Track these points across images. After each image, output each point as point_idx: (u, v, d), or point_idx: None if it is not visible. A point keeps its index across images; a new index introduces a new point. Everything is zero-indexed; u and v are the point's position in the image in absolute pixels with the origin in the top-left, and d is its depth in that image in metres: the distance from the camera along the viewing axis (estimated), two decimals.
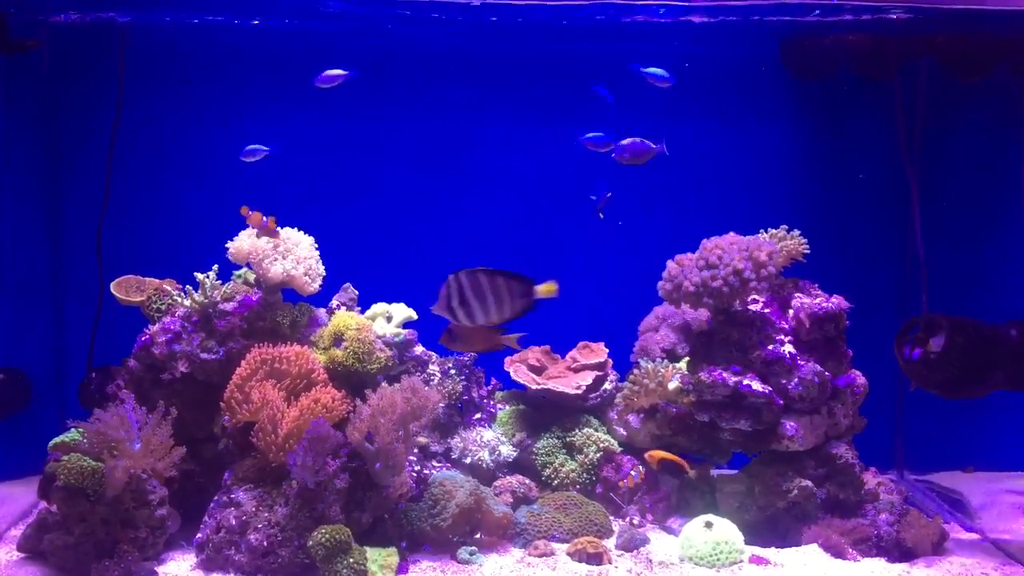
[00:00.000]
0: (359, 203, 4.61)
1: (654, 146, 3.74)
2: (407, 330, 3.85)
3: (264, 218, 3.47)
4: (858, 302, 3.65)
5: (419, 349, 3.89)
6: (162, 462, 3.24)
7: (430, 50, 4.54)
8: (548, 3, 3.89)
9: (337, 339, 3.57)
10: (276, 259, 3.54)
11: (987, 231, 4.48)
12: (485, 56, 4.54)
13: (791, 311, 3.68)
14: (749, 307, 3.66)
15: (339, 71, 4.03)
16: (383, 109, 4.60)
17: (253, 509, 3.21)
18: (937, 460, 4.51)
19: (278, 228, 3.55)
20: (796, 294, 3.72)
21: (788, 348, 3.55)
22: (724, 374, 3.50)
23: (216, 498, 3.30)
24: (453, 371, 3.92)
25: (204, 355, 3.53)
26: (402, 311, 3.86)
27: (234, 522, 3.19)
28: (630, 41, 4.54)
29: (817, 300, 3.65)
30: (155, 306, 3.61)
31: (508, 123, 4.63)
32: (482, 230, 4.65)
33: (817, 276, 3.74)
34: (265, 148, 4.01)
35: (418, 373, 3.87)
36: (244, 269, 3.72)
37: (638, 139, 3.75)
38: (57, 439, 3.34)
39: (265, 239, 3.53)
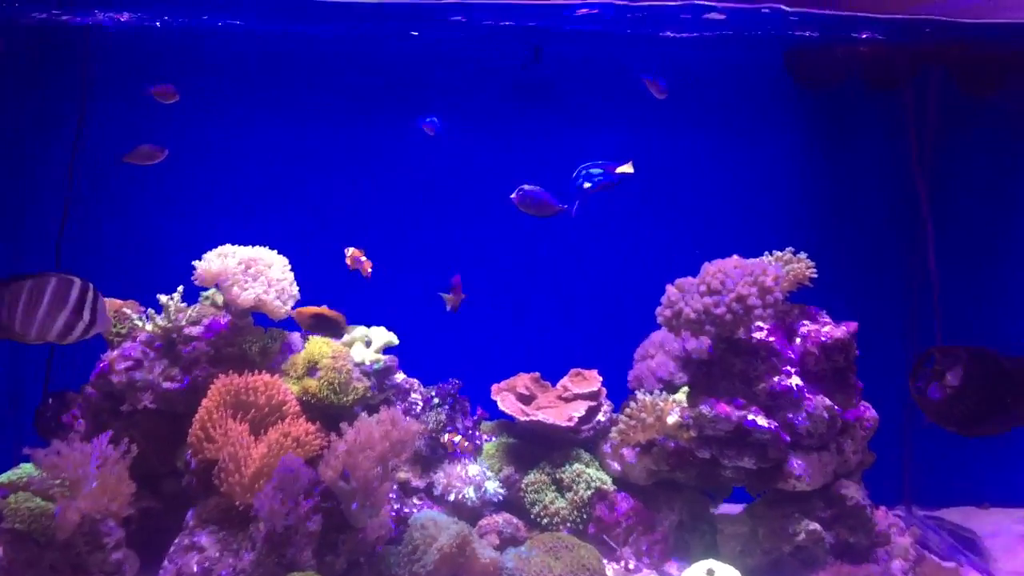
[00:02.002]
0: (338, 219, 4.37)
1: (558, 206, 3.41)
2: (387, 356, 3.62)
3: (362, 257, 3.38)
4: (864, 325, 3.44)
5: (400, 376, 3.66)
6: (117, 502, 2.97)
7: (413, 59, 4.30)
8: (550, 2, 3.65)
9: (311, 368, 3.32)
10: (246, 282, 3.29)
11: (1004, 251, 4.26)
12: (473, 65, 4.31)
13: (798, 339, 3.46)
14: (753, 335, 3.43)
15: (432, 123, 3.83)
16: (360, 118, 4.35)
17: (217, 554, 2.96)
18: (947, 494, 4.29)
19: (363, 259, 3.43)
20: (803, 321, 3.51)
21: (795, 380, 3.33)
22: (727, 408, 3.28)
23: (177, 541, 3.04)
24: (436, 400, 3.68)
25: (167, 384, 3.28)
26: (382, 336, 3.63)
27: (196, 568, 2.94)
28: (627, 48, 4.30)
29: (825, 328, 3.44)
30: (114, 330, 3.35)
31: (498, 138, 4.40)
32: (471, 248, 4.41)
33: (822, 298, 3.53)
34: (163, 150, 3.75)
35: (399, 402, 3.63)
36: (212, 290, 3.47)
37: (539, 189, 3.40)
38: (3, 476, 3.07)
39: (234, 261, 3.28)
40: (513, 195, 3.37)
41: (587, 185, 3.43)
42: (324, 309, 3.36)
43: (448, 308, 3.59)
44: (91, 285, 2.63)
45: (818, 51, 4.17)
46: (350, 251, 3.45)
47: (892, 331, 4.27)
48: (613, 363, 3.94)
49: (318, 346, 3.35)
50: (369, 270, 3.44)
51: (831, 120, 4.36)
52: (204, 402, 3.16)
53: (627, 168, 3.41)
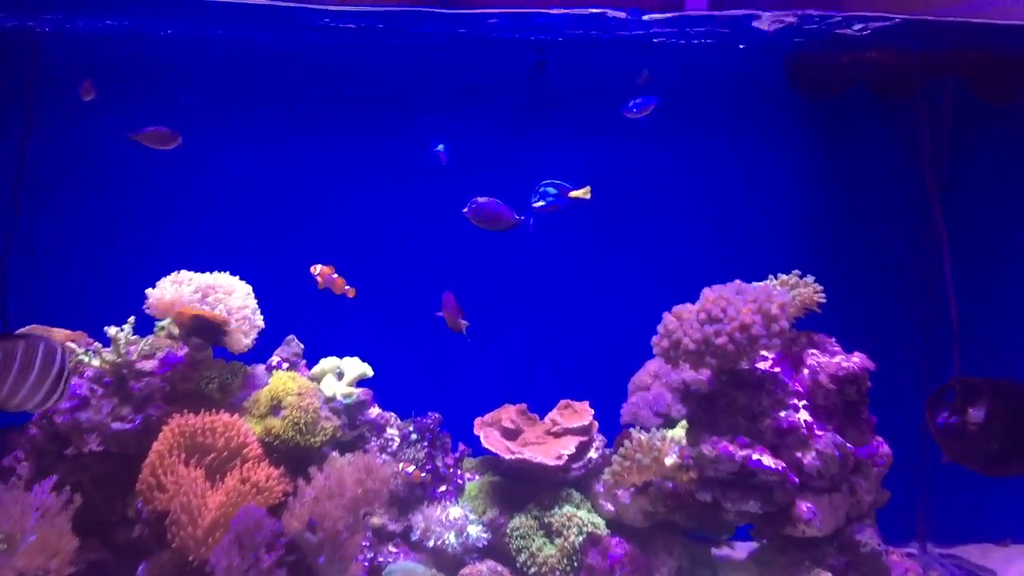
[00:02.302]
0: (306, 239, 4.13)
1: (515, 218, 3.17)
2: (361, 389, 3.38)
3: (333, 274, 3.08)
4: (876, 351, 3.19)
5: (375, 411, 3.41)
6: (57, 559, 2.69)
7: (386, 72, 4.03)
8: (552, 11, 3.39)
9: (275, 406, 3.05)
10: (203, 311, 3.00)
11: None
12: (458, 78, 4.03)
13: (805, 370, 3.21)
14: (757, 366, 3.18)
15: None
16: (331, 133, 4.08)
17: None
18: (964, 530, 4.01)
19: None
20: (810, 350, 3.27)
21: (804, 416, 3.07)
22: (730, 447, 3.02)
23: None
24: (415, 436, 3.40)
25: (117, 425, 3.00)
26: (355, 367, 3.37)
27: None
28: (618, 53, 4.03)
29: (836, 359, 3.18)
30: None
31: (486, 151, 4.12)
32: (453, 270, 4.14)
33: (829, 323, 3.28)
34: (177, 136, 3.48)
35: (374, 439, 3.36)
36: (168, 320, 3.17)
37: (494, 201, 3.16)
38: None
39: (190, 289, 3.00)
40: (465, 209, 3.14)
41: (539, 203, 3.17)
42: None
43: (455, 331, 3.27)
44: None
45: (819, 57, 3.91)
46: (318, 269, 3.15)
47: (905, 358, 4.01)
48: (605, 393, 3.69)
49: (283, 382, 3.07)
50: (348, 288, 3.15)
51: (835, 130, 4.12)
52: (155, 445, 2.89)
53: (582, 193, 3.16)
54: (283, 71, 3.98)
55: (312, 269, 3.12)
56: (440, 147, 3.56)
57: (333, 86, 4.03)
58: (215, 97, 3.94)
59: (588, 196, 3.16)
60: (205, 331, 3.04)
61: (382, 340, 3.51)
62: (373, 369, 3.44)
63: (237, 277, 3.24)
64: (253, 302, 3.19)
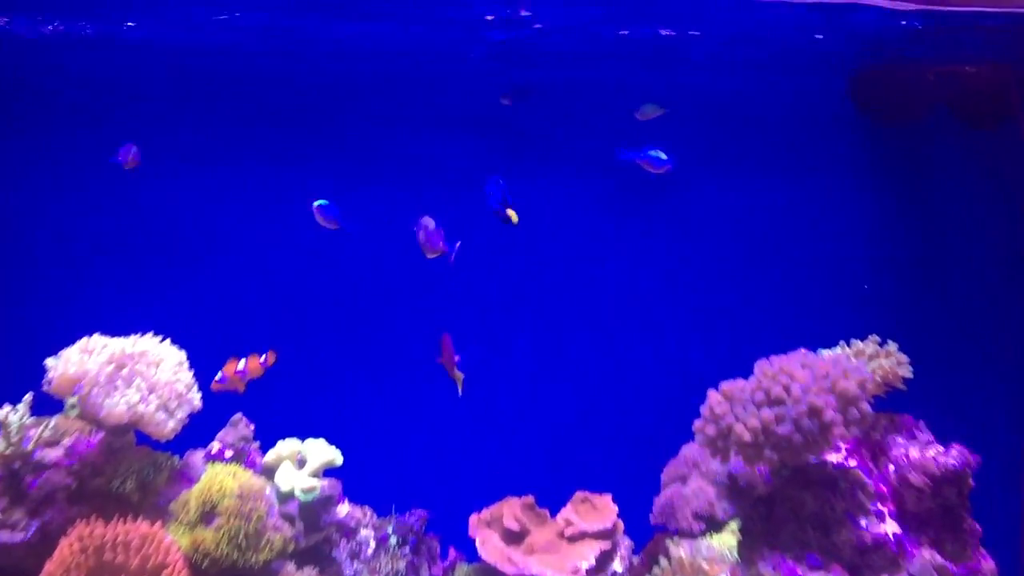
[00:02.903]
0: (256, 289, 3.56)
1: (443, 247, 2.92)
2: (327, 481, 2.81)
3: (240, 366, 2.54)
4: (972, 436, 2.60)
5: (344, 509, 2.84)
6: None
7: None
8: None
9: (208, 512, 2.41)
10: (115, 389, 2.35)
11: None
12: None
13: (890, 465, 2.66)
14: (828, 457, 2.59)
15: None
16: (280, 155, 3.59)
17: None
18: None
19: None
20: (894, 436, 2.71)
21: (891, 527, 2.52)
22: (797, 568, 2.45)
23: None
24: (394, 539, 2.77)
25: (4, 535, 2.36)
26: (320, 453, 2.81)
27: None
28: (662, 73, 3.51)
29: (930, 452, 2.59)
30: None
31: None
32: (446, 328, 3.52)
33: (911, 397, 2.70)
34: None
35: (343, 543, 2.71)
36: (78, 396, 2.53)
37: (432, 227, 2.91)
38: None
39: (102, 359, 2.35)
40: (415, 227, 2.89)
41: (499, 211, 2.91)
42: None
43: (453, 379, 2.91)
44: None
45: (890, 75, 3.30)
46: (239, 364, 2.55)
47: (1007, 444, 3.39)
48: (632, 481, 3.10)
49: (219, 479, 2.42)
50: (243, 385, 2.57)
51: (909, 163, 3.47)
52: (48, 566, 2.28)
53: (510, 215, 2.89)
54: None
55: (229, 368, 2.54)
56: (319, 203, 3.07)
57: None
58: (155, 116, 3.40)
59: (514, 220, 2.89)
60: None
61: (355, 413, 2.91)
62: (344, 452, 2.87)
63: (167, 341, 2.58)
64: (187, 375, 2.56)
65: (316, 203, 2.89)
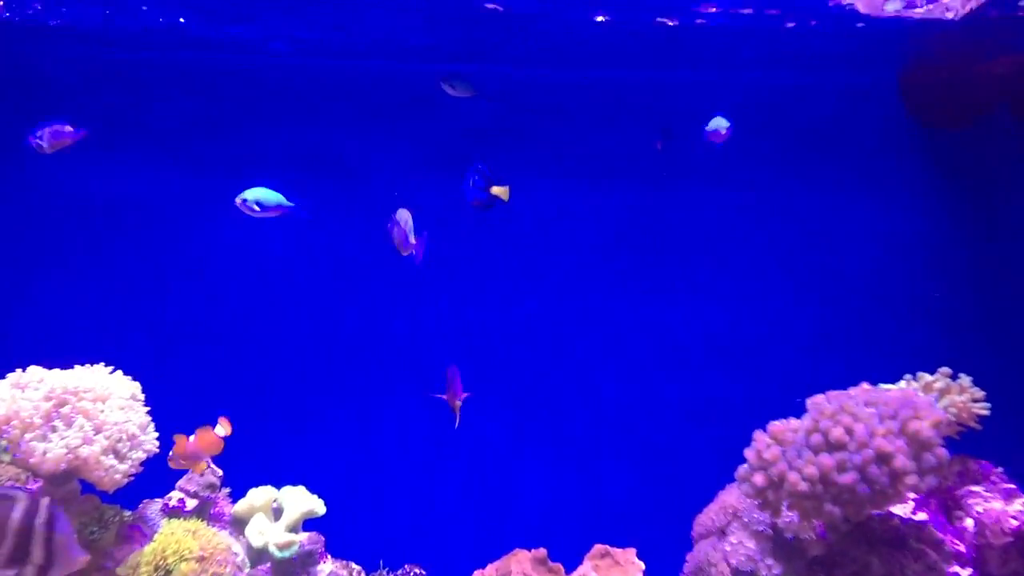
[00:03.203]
0: (226, 316, 3.22)
1: (411, 242, 2.73)
2: (307, 534, 2.50)
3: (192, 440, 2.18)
4: None
5: (327, 567, 2.50)
6: None
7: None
8: None
9: None
10: (53, 431, 1.98)
11: None
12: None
13: (968, 520, 2.32)
14: (894, 511, 2.27)
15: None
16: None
17: None
18: None
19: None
20: (969, 487, 2.32)
21: None
22: None
23: None
24: None
25: None
26: (299, 502, 2.52)
27: None
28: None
29: (1015, 505, 2.22)
30: None
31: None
32: (449, 361, 3.21)
33: (984, 436, 2.34)
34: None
35: None
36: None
37: (404, 223, 2.72)
38: None
39: (38, 396, 1.99)
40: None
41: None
42: None
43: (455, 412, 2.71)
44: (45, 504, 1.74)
45: (945, 73, 2.97)
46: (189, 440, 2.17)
47: None
48: (659, 531, 2.78)
49: (175, 539, 2.06)
50: (202, 465, 2.23)
51: (970, 169, 3.15)
52: None
53: (502, 192, 2.73)
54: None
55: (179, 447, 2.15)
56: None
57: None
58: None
59: (504, 196, 2.75)
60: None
61: (338, 455, 2.55)
62: (326, 501, 2.58)
63: (119, 373, 2.21)
64: (140, 413, 2.18)
65: (241, 197, 2.50)
